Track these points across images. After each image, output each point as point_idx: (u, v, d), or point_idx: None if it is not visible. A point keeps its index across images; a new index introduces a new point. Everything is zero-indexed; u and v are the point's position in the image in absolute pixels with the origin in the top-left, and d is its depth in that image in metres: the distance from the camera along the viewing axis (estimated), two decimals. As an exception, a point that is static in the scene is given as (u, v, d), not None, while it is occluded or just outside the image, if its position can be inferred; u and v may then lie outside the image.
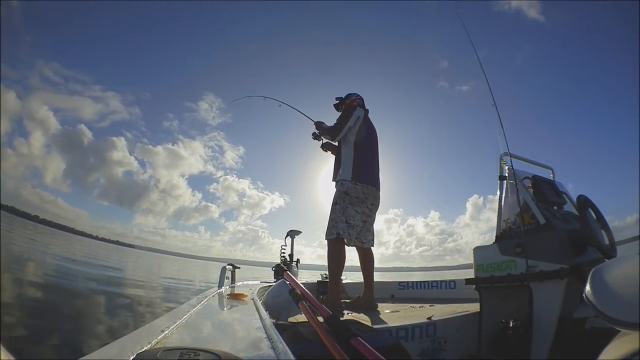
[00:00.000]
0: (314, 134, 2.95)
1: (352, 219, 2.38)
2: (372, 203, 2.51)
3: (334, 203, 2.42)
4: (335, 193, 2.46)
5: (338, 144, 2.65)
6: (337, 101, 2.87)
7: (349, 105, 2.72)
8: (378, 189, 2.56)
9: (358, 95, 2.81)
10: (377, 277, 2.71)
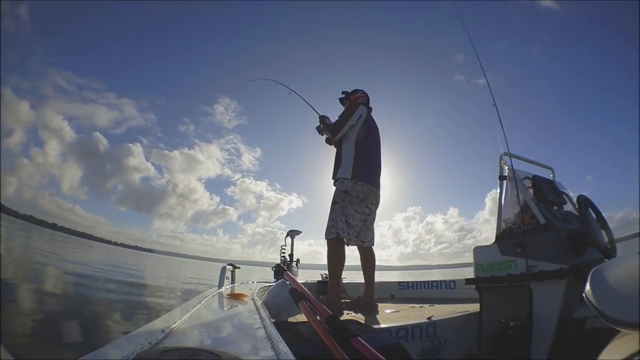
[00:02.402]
0: (317, 127, 2.91)
1: (351, 219, 2.36)
2: (372, 202, 2.50)
3: (334, 202, 2.41)
4: (335, 192, 2.45)
5: (339, 141, 2.62)
6: (343, 95, 2.84)
7: (353, 102, 2.70)
8: (378, 189, 2.55)
9: (364, 92, 2.78)
10: (383, 277, 2.70)
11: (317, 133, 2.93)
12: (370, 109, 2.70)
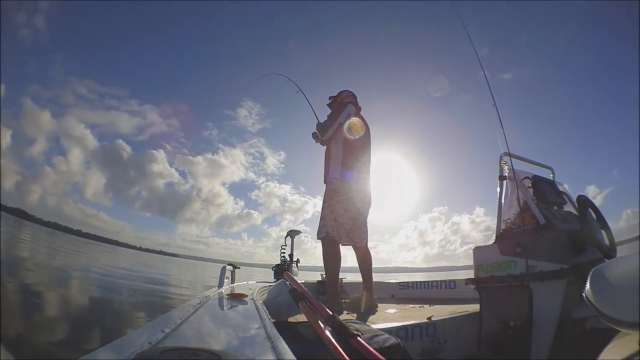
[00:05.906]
0: (313, 133, 2.83)
1: (340, 217, 2.38)
2: (362, 201, 2.50)
3: (323, 202, 2.43)
4: (325, 191, 2.46)
5: (329, 142, 2.59)
6: (330, 100, 2.82)
7: (340, 102, 2.69)
8: (368, 187, 2.55)
9: (350, 92, 2.78)
10: (392, 277, 2.69)
11: (313, 140, 2.85)
12: (359, 108, 2.69)
